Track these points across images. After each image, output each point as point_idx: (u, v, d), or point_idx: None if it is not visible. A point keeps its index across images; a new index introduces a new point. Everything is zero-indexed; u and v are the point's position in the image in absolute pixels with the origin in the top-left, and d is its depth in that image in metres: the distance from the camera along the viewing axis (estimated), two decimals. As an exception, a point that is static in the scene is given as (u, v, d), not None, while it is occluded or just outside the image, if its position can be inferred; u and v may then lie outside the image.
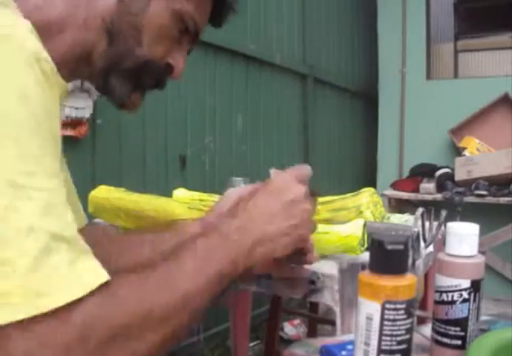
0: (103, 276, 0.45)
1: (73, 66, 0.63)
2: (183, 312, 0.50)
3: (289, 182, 0.63)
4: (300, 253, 0.65)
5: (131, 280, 0.49)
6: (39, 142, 0.46)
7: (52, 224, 0.43)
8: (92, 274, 0.44)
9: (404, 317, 0.47)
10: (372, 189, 1.04)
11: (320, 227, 0.86)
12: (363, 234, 0.82)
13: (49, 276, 0.41)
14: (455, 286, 0.54)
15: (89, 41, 0.62)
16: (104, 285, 0.44)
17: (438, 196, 2.94)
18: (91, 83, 0.70)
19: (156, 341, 0.48)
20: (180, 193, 1.28)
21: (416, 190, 3.06)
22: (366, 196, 1.00)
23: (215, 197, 1.25)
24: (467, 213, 2.62)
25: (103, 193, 1.08)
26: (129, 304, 0.46)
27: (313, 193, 0.68)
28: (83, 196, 1.14)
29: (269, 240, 0.58)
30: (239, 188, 0.76)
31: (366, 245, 0.83)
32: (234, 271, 0.55)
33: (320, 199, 1.05)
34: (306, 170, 0.67)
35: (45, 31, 0.56)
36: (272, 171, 0.67)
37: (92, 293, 0.43)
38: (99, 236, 0.79)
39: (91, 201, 1.09)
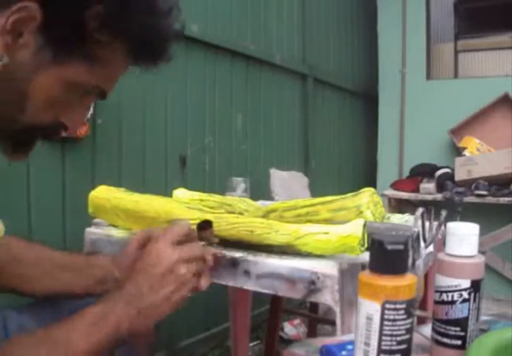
0: None
1: None
2: None
3: (160, 253, 0.71)
4: None
5: (27, 344, 0.62)
6: None
7: None
8: None
9: (404, 317, 0.47)
10: (372, 189, 1.04)
11: (320, 227, 0.87)
12: (363, 234, 0.82)
13: None
14: (455, 286, 0.54)
15: None
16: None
17: (438, 196, 2.94)
18: None
19: None
20: (180, 193, 1.28)
21: (416, 190, 3.06)
22: (366, 196, 1.00)
23: (215, 197, 1.25)
24: (467, 213, 2.62)
25: (103, 193, 1.08)
26: None
27: (205, 224, 0.83)
28: (83, 196, 1.13)
29: (149, 309, 0.69)
30: (139, 234, 0.83)
31: (366, 245, 0.83)
32: (116, 336, 0.66)
33: (321, 199, 1.05)
34: (180, 230, 0.75)
35: None
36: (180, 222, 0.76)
37: None
38: (8, 253, 0.85)
39: (91, 201, 1.09)
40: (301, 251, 0.86)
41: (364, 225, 0.83)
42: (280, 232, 0.87)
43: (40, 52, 0.59)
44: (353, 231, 0.82)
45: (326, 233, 0.83)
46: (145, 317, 0.68)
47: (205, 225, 0.85)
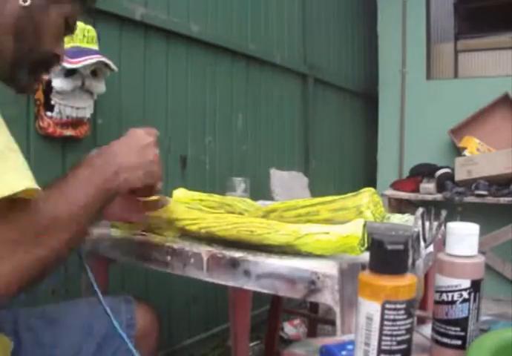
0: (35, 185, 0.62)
1: None
2: (84, 216, 0.70)
3: (140, 133, 0.84)
4: (150, 188, 0.86)
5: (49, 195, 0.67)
6: None
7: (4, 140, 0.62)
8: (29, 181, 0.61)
9: (404, 317, 0.47)
10: (372, 189, 1.04)
11: (320, 227, 0.87)
12: (363, 234, 0.82)
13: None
14: (456, 286, 0.54)
15: None
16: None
17: (438, 196, 2.94)
18: None
19: (66, 238, 0.67)
20: (180, 193, 1.28)
21: (416, 190, 3.06)
22: (366, 196, 1.00)
23: (215, 197, 1.25)
24: (467, 213, 2.62)
25: None
26: (49, 209, 0.66)
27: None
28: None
29: (124, 171, 0.77)
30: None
31: (366, 245, 0.83)
32: (106, 188, 0.74)
33: (321, 199, 1.05)
34: (153, 130, 0.88)
35: None
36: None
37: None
38: None
39: None
40: (301, 251, 0.86)
41: (364, 225, 0.83)
42: (280, 232, 0.87)
43: None
44: (353, 231, 0.82)
45: (327, 233, 0.84)
46: (121, 179, 0.77)
47: None
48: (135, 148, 0.81)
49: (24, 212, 0.62)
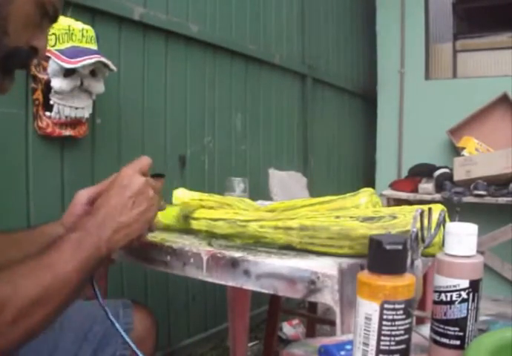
0: None
1: None
2: (65, 290, 0.65)
3: (130, 177, 0.78)
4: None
5: (24, 269, 0.63)
6: None
7: None
8: None
9: (403, 317, 0.47)
10: (370, 189, 1.04)
11: None
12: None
13: None
14: (454, 286, 0.54)
15: None
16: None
17: (437, 197, 2.93)
18: None
19: (46, 315, 0.63)
20: (181, 193, 1.28)
21: (415, 190, 3.06)
22: (364, 196, 1.00)
23: (215, 197, 1.25)
24: (465, 213, 2.62)
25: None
26: (24, 289, 0.61)
27: (158, 176, 0.89)
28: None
29: (124, 228, 0.74)
30: (86, 189, 0.90)
31: None
32: (99, 255, 0.70)
33: (319, 199, 1.05)
34: (145, 161, 0.82)
35: None
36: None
37: None
38: None
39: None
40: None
41: None
42: None
43: None
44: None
45: None
46: (121, 236, 0.74)
47: (158, 176, 0.91)
48: (127, 199, 0.75)
49: None
